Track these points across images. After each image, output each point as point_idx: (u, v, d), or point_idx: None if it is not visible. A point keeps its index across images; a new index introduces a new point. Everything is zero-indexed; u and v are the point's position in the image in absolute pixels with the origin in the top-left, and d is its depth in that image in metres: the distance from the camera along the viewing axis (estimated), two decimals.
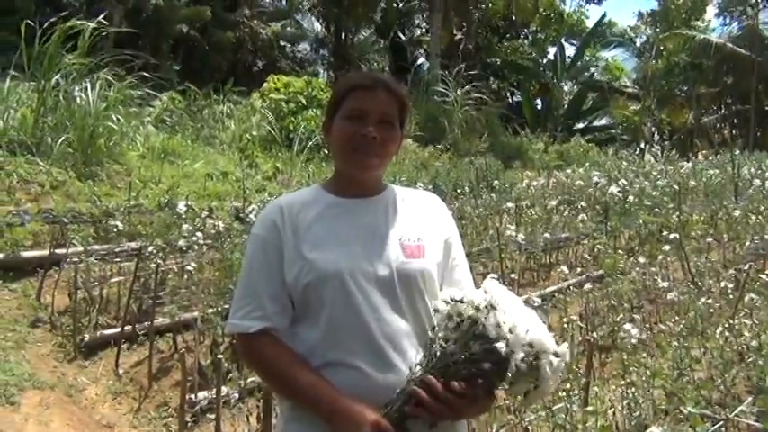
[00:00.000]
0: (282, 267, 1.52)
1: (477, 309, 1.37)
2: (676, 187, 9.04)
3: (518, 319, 1.36)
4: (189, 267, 5.18)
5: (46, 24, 9.02)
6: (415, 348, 1.48)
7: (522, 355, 1.33)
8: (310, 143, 12.87)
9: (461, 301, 1.40)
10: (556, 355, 1.36)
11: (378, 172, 1.64)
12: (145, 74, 11.92)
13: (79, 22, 9.61)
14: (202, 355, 4.55)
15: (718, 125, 28.60)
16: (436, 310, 1.45)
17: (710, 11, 29.54)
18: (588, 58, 32.46)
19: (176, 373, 4.46)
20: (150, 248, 5.41)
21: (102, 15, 10.26)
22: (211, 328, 4.55)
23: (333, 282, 1.47)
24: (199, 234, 5.63)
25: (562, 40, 29.98)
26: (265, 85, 15.18)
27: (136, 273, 5.08)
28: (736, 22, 26.68)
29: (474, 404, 1.41)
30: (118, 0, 18.99)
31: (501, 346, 1.32)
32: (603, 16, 31.07)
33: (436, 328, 1.41)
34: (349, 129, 1.55)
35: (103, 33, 10.11)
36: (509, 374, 1.34)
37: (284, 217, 1.56)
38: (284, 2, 27.16)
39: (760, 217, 7.38)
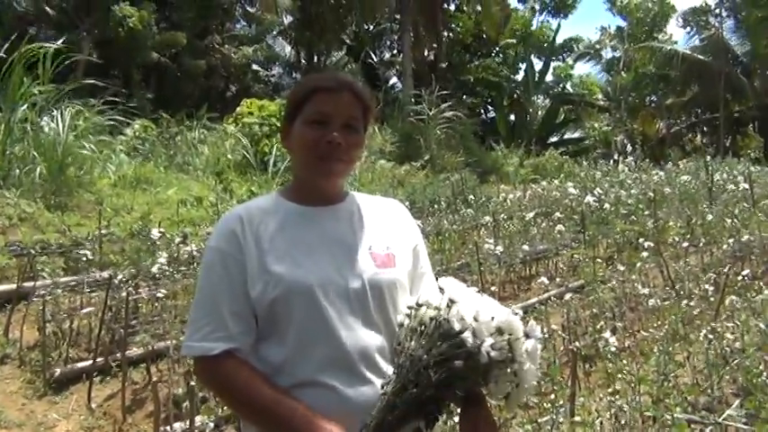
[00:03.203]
0: (245, 282, 1.41)
1: (438, 308, 1.30)
2: (651, 194, 9.11)
3: (481, 308, 1.29)
4: (160, 294, 5.04)
5: (5, 47, 8.90)
6: (389, 363, 1.40)
7: (491, 341, 1.26)
8: (285, 165, 12.78)
9: (419, 306, 1.33)
10: (527, 336, 1.30)
11: (342, 179, 1.56)
12: (116, 99, 11.82)
13: (39, 44, 9.48)
14: (176, 383, 4.42)
15: (689, 133, 29.06)
16: (401, 325, 1.38)
17: (672, 25, 30.22)
18: (561, 74, 33.02)
19: (151, 405, 4.30)
20: (120, 277, 5.27)
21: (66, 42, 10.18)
22: (185, 355, 4.41)
23: (302, 296, 1.38)
24: (162, 260, 5.49)
25: (531, 56, 30.42)
26: (239, 109, 15.09)
27: (107, 303, 4.93)
28: (700, 34, 27.22)
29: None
30: (87, 31, 18.90)
31: (467, 336, 1.25)
32: (558, 27, 31.60)
33: (403, 342, 1.34)
34: (312, 134, 1.46)
35: (71, 59, 10.00)
36: (485, 368, 1.26)
37: (244, 227, 1.45)
38: (254, 27, 27.20)
39: (735, 220, 7.44)
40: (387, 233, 1.54)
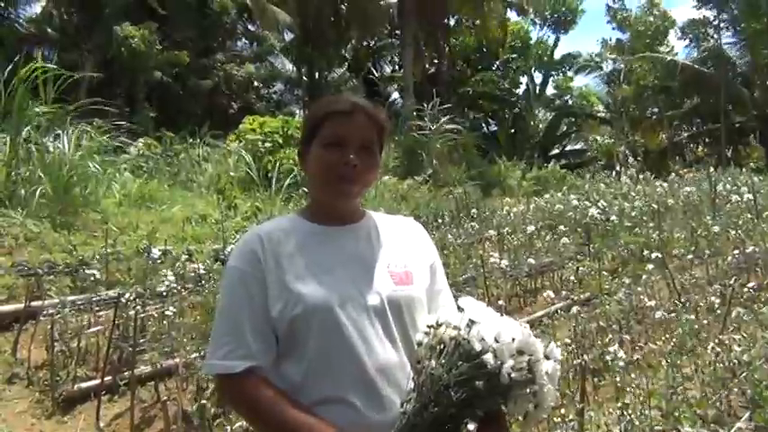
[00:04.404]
0: (266, 301, 1.44)
1: (457, 328, 1.31)
2: (655, 206, 9.11)
3: (502, 329, 1.30)
4: (168, 312, 5.06)
5: (8, 69, 8.99)
6: (409, 380, 1.41)
7: (511, 362, 1.27)
8: (288, 181, 12.82)
9: (438, 325, 1.35)
10: (547, 357, 1.31)
11: (358, 199, 1.59)
12: (120, 122, 11.90)
13: (41, 65, 9.56)
14: (187, 401, 4.42)
15: (690, 144, 29.11)
16: (420, 344, 1.39)
17: (672, 37, 30.31)
18: (562, 87, 33.21)
19: (160, 423, 4.31)
20: (127, 295, 5.29)
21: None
22: (195, 373, 4.42)
23: (322, 314, 1.40)
24: (171, 278, 5.51)
25: (532, 70, 30.63)
26: (241, 126, 15.17)
27: (114, 321, 4.94)
28: (700, 45, 27.33)
29: None
30: (89, 51, 19.06)
31: (488, 357, 1.26)
32: (556, 42, 31.76)
33: (422, 361, 1.35)
34: (329, 157, 1.49)
35: (74, 79, 10.09)
36: (505, 389, 1.27)
37: (264, 247, 1.48)
38: (256, 45, 27.40)
39: (739, 231, 7.44)
40: (404, 251, 1.57)
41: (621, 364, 3.51)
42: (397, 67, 29.77)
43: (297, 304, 1.41)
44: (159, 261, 6.37)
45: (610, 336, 4.70)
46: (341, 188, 1.50)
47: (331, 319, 1.40)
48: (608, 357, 3.80)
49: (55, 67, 9.93)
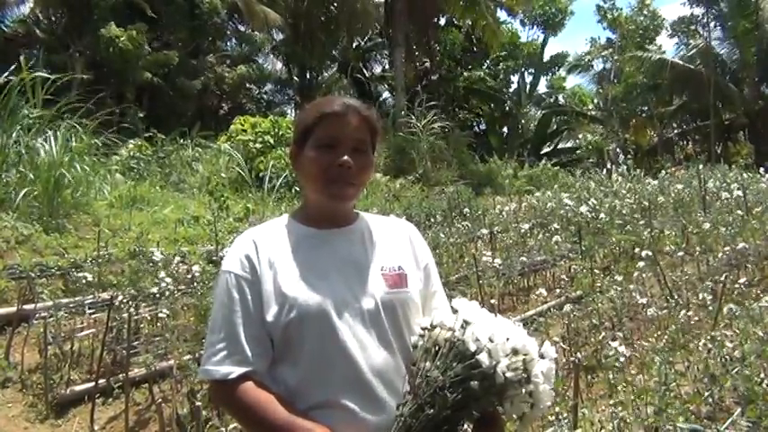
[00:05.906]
0: (261, 306, 1.43)
1: (451, 329, 1.32)
2: (646, 204, 9.16)
3: (496, 329, 1.31)
4: (162, 314, 5.04)
5: (3, 78, 8.95)
6: (405, 383, 1.41)
7: (506, 362, 1.27)
8: (280, 182, 12.81)
9: (432, 327, 1.35)
10: (542, 356, 1.32)
11: (353, 201, 1.59)
12: (110, 119, 11.85)
13: (36, 73, 9.53)
14: (180, 404, 4.41)
15: (680, 141, 29.27)
16: (415, 346, 1.39)
17: (662, 36, 30.50)
18: (555, 86, 33.32)
19: (154, 426, 4.31)
20: (120, 297, 5.26)
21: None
22: (188, 375, 4.41)
23: (317, 318, 1.40)
24: (168, 279, 5.49)
25: (523, 69, 30.71)
26: (232, 126, 15.15)
27: (108, 324, 4.92)
28: (689, 43, 27.47)
29: None
30: (78, 52, 18.94)
31: (483, 357, 1.27)
32: (545, 42, 31.70)
33: (418, 363, 1.35)
34: (323, 159, 1.49)
35: (64, 79, 10.06)
36: (501, 389, 1.28)
37: (258, 251, 1.47)
38: (246, 45, 27.31)
39: (730, 228, 7.49)
40: (398, 253, 1.57)
41: (622, 359, 3.53)
42: (387, 67, 29.74)
43: (292, 309, 1.41)
44: (159, 264, 6.34)
45: (602, 333, 4.72)
46: (335, 190, 1.50)
47: (326, 323, 1.40)
48: (609, 353, 3.82)
49: (46, 75, 9.87)
